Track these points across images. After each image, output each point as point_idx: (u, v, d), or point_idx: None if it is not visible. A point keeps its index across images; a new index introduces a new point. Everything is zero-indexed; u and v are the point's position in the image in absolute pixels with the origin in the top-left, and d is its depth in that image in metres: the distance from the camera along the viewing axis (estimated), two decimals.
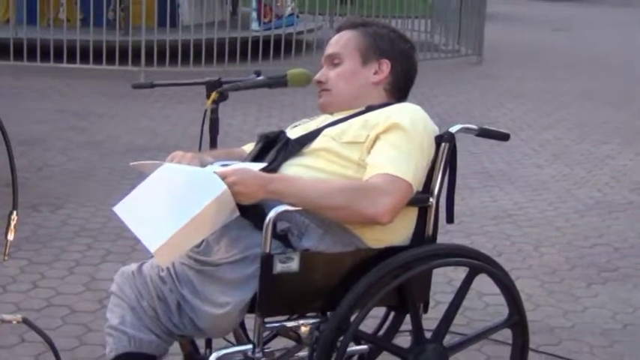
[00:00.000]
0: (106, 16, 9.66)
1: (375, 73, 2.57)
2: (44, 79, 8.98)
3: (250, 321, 2.37)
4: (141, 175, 2.37)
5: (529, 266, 4.32)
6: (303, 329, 2.39)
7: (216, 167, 2.31)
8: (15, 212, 2.13)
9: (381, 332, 2.88)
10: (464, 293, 2.50)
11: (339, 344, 2.31)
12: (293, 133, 2.56)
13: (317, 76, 2.61)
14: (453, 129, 2.51)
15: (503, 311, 2.60)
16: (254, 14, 10.87)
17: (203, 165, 2.42)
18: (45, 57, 9.17)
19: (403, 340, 2.65)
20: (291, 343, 2.49)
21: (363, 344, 2.62)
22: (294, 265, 2.26)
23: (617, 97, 9.29)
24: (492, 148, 6.57)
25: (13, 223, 2.13)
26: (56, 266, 4.10)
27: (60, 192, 5.25)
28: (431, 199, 2.45)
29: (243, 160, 2.52)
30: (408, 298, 2.40)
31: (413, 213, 2.46)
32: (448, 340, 2.52)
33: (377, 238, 2.37)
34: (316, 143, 2.45)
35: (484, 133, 2.64)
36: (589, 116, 8.19)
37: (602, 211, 5.29)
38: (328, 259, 2.33)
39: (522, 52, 12.70)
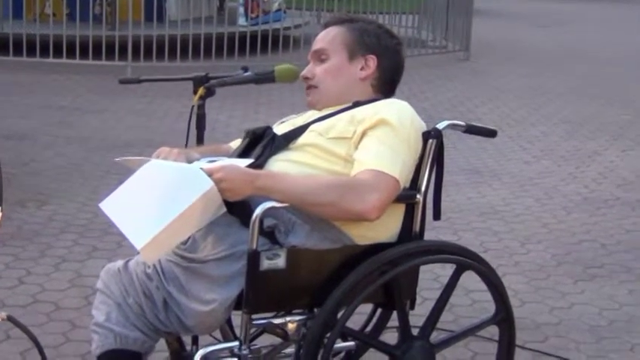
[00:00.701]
0: (92, 11, 9.63)
1: (362, 68, 2.56)
2: (30, 74, 8.94)
3: (237, 318, 2.36)
4: (128, 171, 2.36)
5: (516, 263, 4.33)
6: (290, 326, 2.39)
7: (203, 163, 2.30)
8: (0, 208, 2.11)
9: (368, 329, 2.88)
10: (451, 290, 2.50)
11: (326, 341, 2.30)
12: (280, 128, 2.55)
13: (304, 72, 2.60)
14: (441, 125, 2.50)
15: (490, 308, 2.60)
16: (241, 9, 10.86)
17: (190, 161, 2.41)
18: (31, 52, 9.13)
19: (390, 337, 2.65)
20: (278, 340, 2.49)
21: (350, 341, 2.62)
22: (280, 261, 2.25)
23: (604, 93, 9.32)
24: (479, 145, 6.58)
25: None
26: (42, 262, 4.08)
27: (46, 188, 5.22)
28: (418, 196, 2.45)
29: (230, 156, 2.51)
30: (395, 295, 2.40)
31: (400, 209, 2.45)
32: (435, 336, 2.52)
33: (364, 235, 2.37)
34: (303, 139, 2.44)
35: (472, 130, 2.64)
36: (576, 112, 8.21)
37: (590, 207, 5.30)
38: (315, 256, 2.32)
39: (510, 48, 12.73)
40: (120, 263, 2.42)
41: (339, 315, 2.31)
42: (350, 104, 2.51)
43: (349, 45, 2.56)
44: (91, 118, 7.23)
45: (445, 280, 2.54)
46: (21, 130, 6.58)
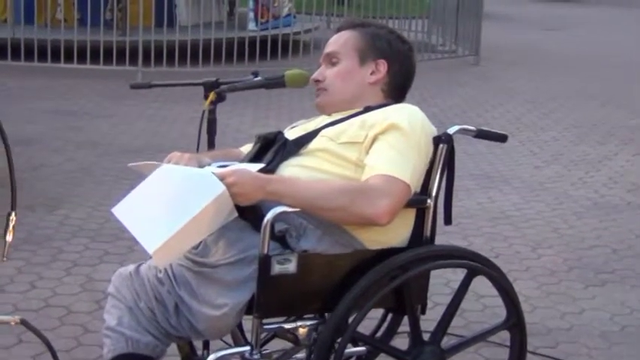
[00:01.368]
0: (103, 16, 9.65)
1: (372, 73, 2.56)
2: (41, 79, 8.97)
3: (248, 322, 2.36)
4: (139, 176, 2.36)
5: (526, 268, 4.32)
6: (301, 331, 2.39)
7: (214, 168, 2.31)
8: (13, 213, 2.12)
9: (379, 334, 2.88)
10: (462, 295, 2.50)
11: (336, 346, 2.30)
12: (291, 133, 2.55)
13: (314, 75, 2.61)
14: (451, 130, 2.50)
15: (501, 313, 2.60)
16: (251, 14, 10.88)
17: (201, 166, 2.42)
18: (42, 57, 9.16)
19: (401, 342, 2.65)
20: (288, 345, 2.49)
21: (361, 346, 2.62)
22: (291, 266, 2.26)
23: (614, 97, 9.30)
24: (489, 150, 6.57)
25: (11, 224, 2.12)
26: (53, 267, 4.09)
27: (56, 192, 5.24)
28: (429, 201, 2.45)
29: (241, 160, 2.52)
30: (406, 300, 2.40)
31: (411, 214, 2.45)
32: (446, 342, 2.52)
33: (375, 240, 2.37)
34: (314, 144, 2.45)
35: (482, 135, 2.63)
36: (586, 117, 8.19)
37: (600, 212, 5.29)
38: (326, 261, 2.32)
39: (520, 52, 12.71)
40: (131, 267, 2.42)
41: (350, 320, 2.31)
42: (361, 109, 2.51)
43: (360, 49, 2.56)
44: (102, 122, 7.25)
45: (456, 285, 2.54)
46: (31, 134, 6.60)
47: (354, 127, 2.43)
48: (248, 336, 2.45)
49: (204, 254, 2.31)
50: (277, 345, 2.58)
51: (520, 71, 10.97)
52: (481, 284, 2.63)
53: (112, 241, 4.40)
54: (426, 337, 2.46)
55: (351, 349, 2.55)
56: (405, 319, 2.49)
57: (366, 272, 2.31)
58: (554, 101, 8.97)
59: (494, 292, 2.55)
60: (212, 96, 2.64)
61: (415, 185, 2.38)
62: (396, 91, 2.60)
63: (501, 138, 2.71)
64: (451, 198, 2.54)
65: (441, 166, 2.46)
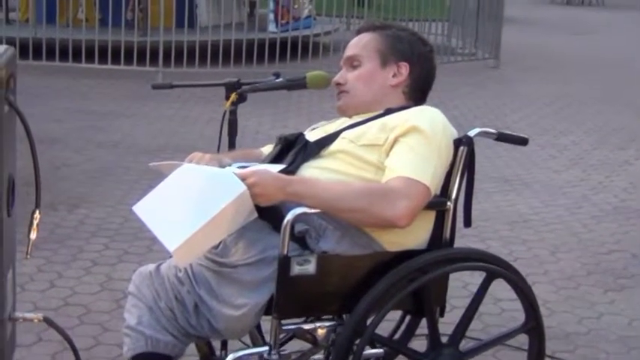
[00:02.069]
0: (124, 17, 9.71)
1: (394, 75, 2.56)
2: (63, 78, 9.03)
3: (266, 323, 2.37)
4: (159, 176, 2.38)
5: (545, 272, 4.31)
6: (320, 332, 2.39)
7: (235, 168, 2.32)
8: (37, 211, 2.13)
9: (397, 336, 2.88)
10: (480, 298, 2.50)
11: (355, 347, 2.31)
12: (311, 135, 2.56)
13: (336, 78, 2.61)
14: (472, 133, 2.50)
15: (519, 317, 2.59)
16: (271, 16, 10.89)
17: (221, 166, 2.43)
18: (63, 57, 9.22)
19: (419, 344, 2.65)
20: (307, 346, 2.50)
21: (379, 347, 2.62)
22: (311, 267, 2.26)
23: (635, 102, 9.25)
24: (509, 153, 6.56)
25: (35, 222, 2.14)
26: (73, 266, 4.12)
27: (77, 191, 5.27)
28: (449, 203, 2.45)
29: (262, 161, 2.53)
30: (425, 302, 2.40)
31: (430, 216, 2.45)
32: (463, 344, 2.52)
33: (394, 242, 2.37)
34: (335, 145, 2.45)
35: (503, 138, 2.64)
36: (607, 121, 8.15)
37: (620, 217, 5.27)
38: (345, 262, 2.33)
39: (540, 56, 12.67)
40: (152, 267, 2.44)
41: (369, 321, 2.31)
42: (381, 111, 2.52)
43: (382, 52, 2.56)
44: (122, 122, 7.28)
45: (474, 288, 2.54)
46: (52, 134, 6.64)
47: (375, 130, 2.43)
48: (266, 336, 2.45)
49: (224, 254, 2.32)
50: (296, 346, 2.59)
51: (540, 75, 10.93)
52: (499, 287, 2.62)
53: (132, 240, 4.42)
54: (444, 339, 2.46)
55: (369, 351, 2.54)
56: (424, 321, 2.49)
57: (385, 274, 2.32)
58: (574, 105, 8.94)
59: (513, 295, 2.55)
60: (233, 97, 2.66)
61: (435, 188, 2.38)
62: (417, 93, 2.60)
63: (522, 141, 2.71)
64: (471, 200, 2.54)
65: (461, 168, 2.45)
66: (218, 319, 2.30)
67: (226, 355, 2.46)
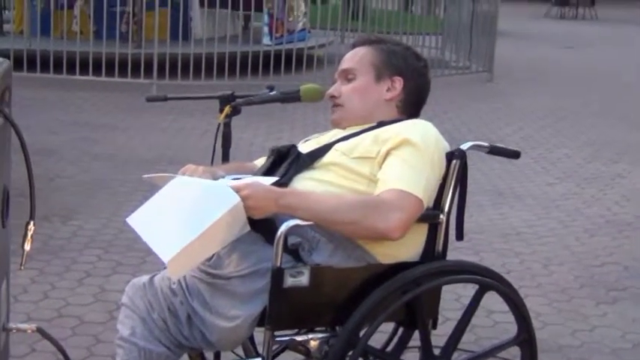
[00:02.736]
0: (118, 29, 9.72)
1: (388, 89, 2.58)
2: (57, 91, 9.03)
3: (259, 334, 2.38)
4: (153, 188, 2.39)
5: (538, 284, 4.32)
6: (313, 343, 2.40)
7: (228, 181, 2.33)
8: (32, 222, 2.14)
9: (390, 347, 2.88)
10: (473, 310, 2.51)
11: (347, 359, 2.31)
12: (304, 147, 2.57)
13: (330, 91, 2.63)
14: (464, 146, 2.52)
15: (512, 329, 2.60)
16: (265, 29, 10.92)
17: (215, 178, 2.44)
18: (58, 69, 9.23)
19: (411, 356, 2.66)
20: (299, 358, 2.50)
21: (372, 359, 2.63)
22: (304, 279, 2.27)
23: (628, 115, 9.29)
24: (502, 166, 6.58)
25: (29, 233, 2.15)
26: (67, 277, 4.12)
27: (71, 203, 5.27)
28: (441, 216, 2.46)
29: (255, 173, 2.53)
30: (417, 314, 2.41)
31: (423, 229, 2.47)
32: (456, 357, 2.53)
33: (387, 254, 2.38)
34: (327, 157, 2.46)
35: (495, 151, 2.65)
36: (600, 134, 8.18)
37: (613, 230, 5.28)
38: (338, 274, 2.34)
39: (533, 69, 12.71)
40: (145, 278, 2.44)
41: (361, 333, 2.32)
42: (374, 124, 2.53)
43: (377, 66, 2.58)
44: (117, 134, 7.29)
45: (467, 300, 2.55)
46: (47, 145, 6.64)
47: (367, 142, 2.44)
48: (259, 348, 2.46)
49: (218, 266, 2.32)
50: (288, 358, 2.59)
51: (533, 88, 10.97)
52: (492, 300, 2.63)
53: (125, 252, 4.43)
54: (436, 351, 2.46)
55: None
56: (416, 333, 2.49)
57: (377, 286, 2.33)
58: (567, 118, 8.97)
59: (505, 307, 2.56)
60: (227, 109, 2.67)
61: (428, 200, 2.39)
62: (411, 107, 2.62)
63: (514, 154, 2.73)
64: (463, 213, 2.56)
65: (453, 181, 2.47)
66: (211, 330, 2.31)
67: None
